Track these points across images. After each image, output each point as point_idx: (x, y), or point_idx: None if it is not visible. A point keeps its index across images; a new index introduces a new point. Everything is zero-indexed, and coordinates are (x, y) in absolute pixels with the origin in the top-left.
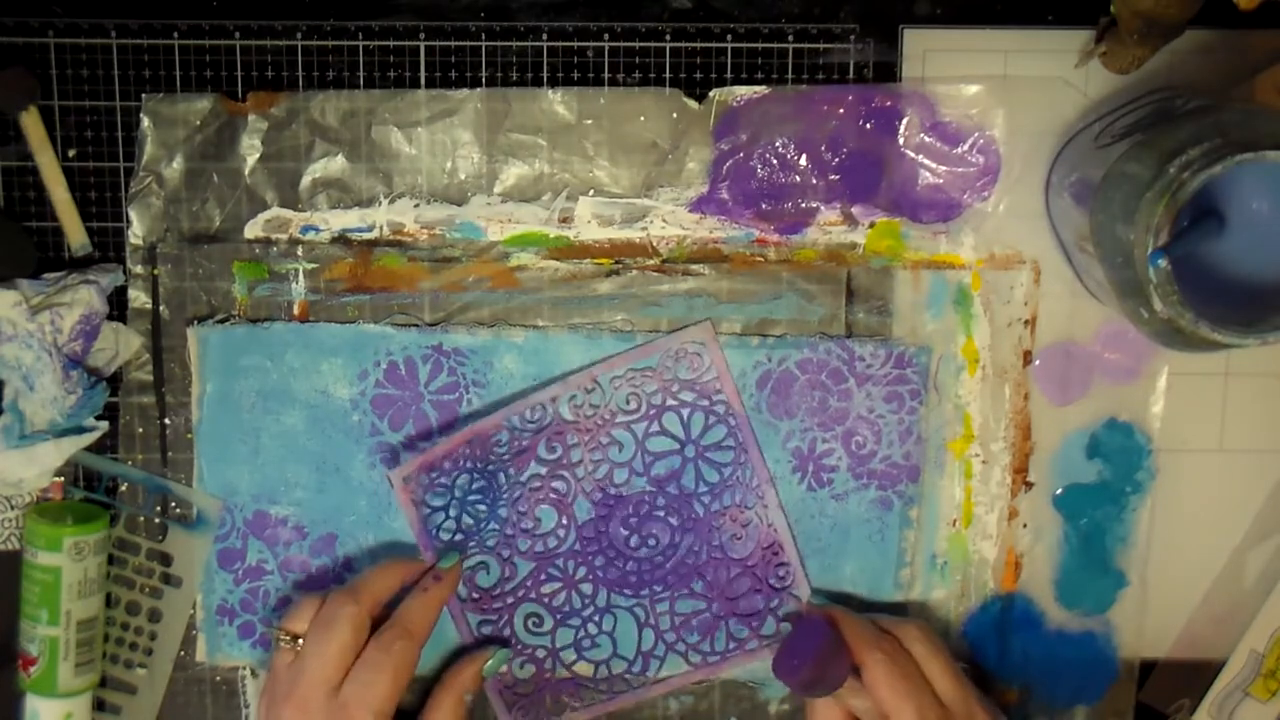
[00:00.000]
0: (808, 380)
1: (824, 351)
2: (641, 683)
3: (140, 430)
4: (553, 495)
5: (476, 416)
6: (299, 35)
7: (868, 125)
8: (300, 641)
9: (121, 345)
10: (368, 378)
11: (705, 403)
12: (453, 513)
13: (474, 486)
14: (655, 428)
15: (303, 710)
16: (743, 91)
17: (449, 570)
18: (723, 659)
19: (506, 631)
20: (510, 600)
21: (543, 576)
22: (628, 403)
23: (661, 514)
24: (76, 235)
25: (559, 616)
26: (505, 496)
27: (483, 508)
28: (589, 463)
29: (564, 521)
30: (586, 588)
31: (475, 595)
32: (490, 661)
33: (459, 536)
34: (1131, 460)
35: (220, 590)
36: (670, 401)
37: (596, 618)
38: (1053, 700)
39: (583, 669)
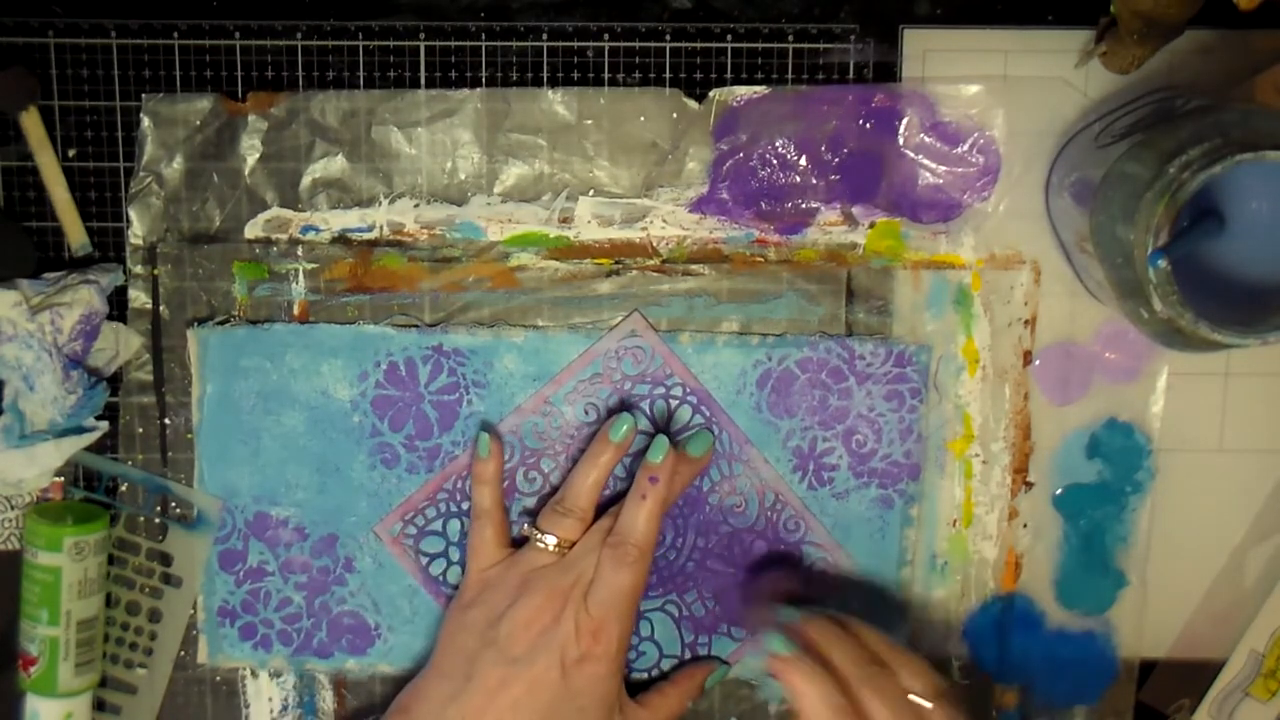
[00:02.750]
0: (808, 379)
1: (824, 350)
2: None
3: (140, 430)
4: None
5: (475, 418)
6: (299, 35)
7: (868, 125)
8: (551, 543)
9: (121, 345)
10: (368, 378)
11: (661, 390)
12: (453, 558)
13: (467, 530)
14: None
15: (558, 605)
16: (743, 91)
17: (662, 465)
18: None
19: None
20: None
21: None
22: (586, 414)
23: None
24: (76, 235)
25: None
26: None
27: None
28: None
29: None
30: None
31: None
32: (714, 675)
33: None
34: (1131, 460)
35: (221, 591)
36: (628, 400)
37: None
38: (1052, 700)
39: (636, 679)
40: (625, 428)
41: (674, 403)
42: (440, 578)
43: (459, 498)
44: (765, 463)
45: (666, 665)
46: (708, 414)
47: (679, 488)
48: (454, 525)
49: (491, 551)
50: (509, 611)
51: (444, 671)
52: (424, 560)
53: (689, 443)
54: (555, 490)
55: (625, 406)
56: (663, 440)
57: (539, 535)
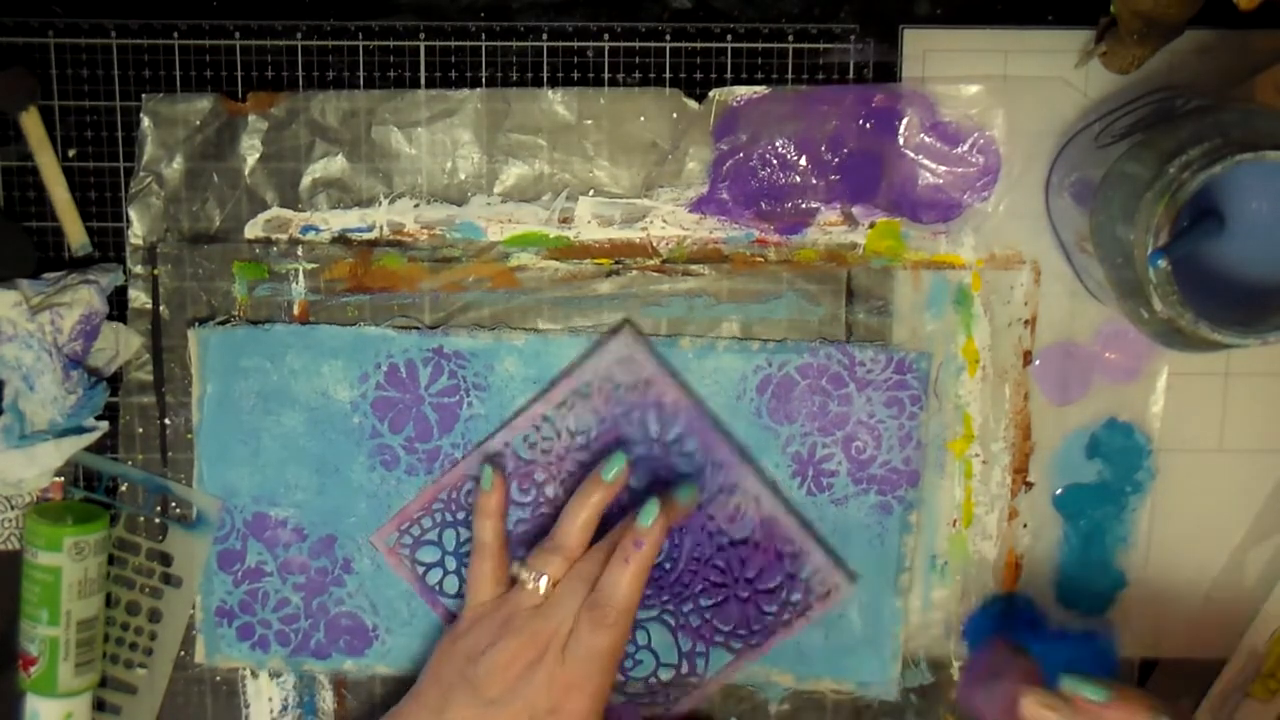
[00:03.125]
0: (808, 385)
1: (824, 356)
2: (695, 684)
3: (140, 430)
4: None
5: (476, 421)
6: (299, 35)
7: (868, 125)
8: (543, 583)
9: (121, 345)
10: (368, 380)
11: (653, 407)
12: (450, 567)
13: (463, 540)
14: (614, 441)
15: (536, 651)
16: (743, 91)
17: (650, 529)
18: (764, 639)
19: None
20: None
21: None
22: (577, 426)
23: None
24: (76, 235)
25: None
26: None
27: None
28: (564, 494)
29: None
30: None
31: None
32: (682, 494)
33: (464, 590)
34: (1131, 460)
35: (219, 591)
36: (618, 411)
37: (630, 635)
38: None
39: (633, 688)
40: (617, 469)
41: (665, 420)
42: (437, 587)
43: (454, 508)
44: (757, 479)
45: (664, 674)
46: (698, 426)
47: (664, 536)
48: (450, 535)
49: (488, 587)
50: (489, 651)
51: (423, 701)
52: (420, 570)
53: (677, 491)
54: (549, 502)
55: (619, 439)
56: (653, 504)
57: (528, 574)
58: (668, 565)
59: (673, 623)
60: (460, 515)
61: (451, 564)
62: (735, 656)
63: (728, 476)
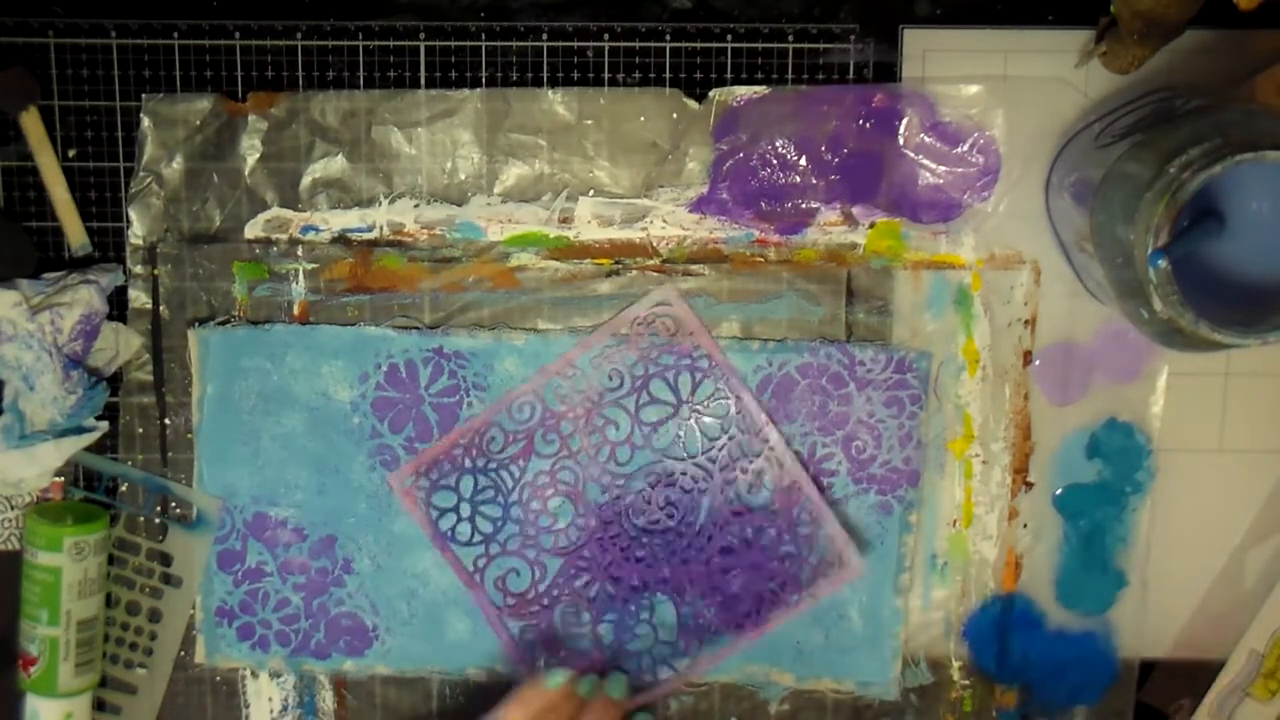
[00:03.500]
0: (808, 385)
1: (824, 356)
2: (690, 662)
3: (140, 430)
4: (562, 487)
5: (475, 419)
6: (299, 35)
7: (868, 125)
8: None
9: (121, 345)
10: (368, 380)
11: (687, 361)
12: (464, 514)
13: (480, 487)
14: (645, 398)
15: None
16: (743, 91)
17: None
18: (767, 619)
19: (550, 633)
20: (546, 601)
21: (573, 571)
22: (610, 379)
23: (674, 482)
24: (76, 235)
25: (597, 611)
26: (515, 496)
27: (495, 509)
28: (589, 447)
29: (581, 510)
30: (618, 573)
31: (511, 601)
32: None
33: (477, 538)
34: (1131, 460)
35: (219, 592)
36: (653, 369)
37: (633, 605)
38: (1053, 700)
39: (628, 660)
40: (621, 686)
41: (699, 375)
42: (449, 533)
43: (475, 454)
44: (785, 446)
45: (661, 650)
46: (731, 388)
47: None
48: (467, 481)
49: None
50: None
51: None
52: (434, 514)
53: (609, 684)
54: (572, 456)
55: (650, 395)
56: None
57: None
58: (682, 528)
59: (678, 600)
60: (481, 463)
61: (466, 511)
62: (735, 637)
63: (754, 440)
